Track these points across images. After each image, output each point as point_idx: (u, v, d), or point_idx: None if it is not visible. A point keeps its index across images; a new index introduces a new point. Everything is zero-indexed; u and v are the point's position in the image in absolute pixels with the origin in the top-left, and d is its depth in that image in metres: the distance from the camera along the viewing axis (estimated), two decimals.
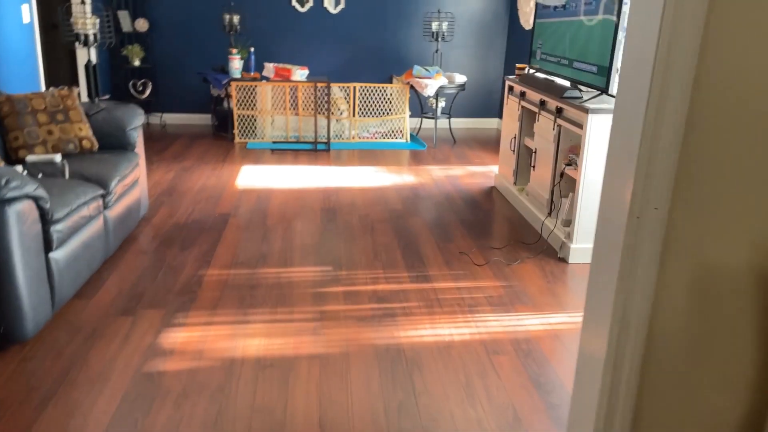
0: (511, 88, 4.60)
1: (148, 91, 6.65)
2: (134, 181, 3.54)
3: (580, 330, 1.69)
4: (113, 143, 3.58)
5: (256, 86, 6.04)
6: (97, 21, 4.37)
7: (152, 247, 3.52)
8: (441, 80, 6.07)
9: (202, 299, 2.93)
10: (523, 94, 4.32)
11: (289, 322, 2.75)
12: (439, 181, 5.07)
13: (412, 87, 6.15)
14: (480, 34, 6.98)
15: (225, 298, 2.94)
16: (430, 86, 5.96)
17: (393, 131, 6.48)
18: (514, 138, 4.48)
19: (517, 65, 4.62)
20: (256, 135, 6.23)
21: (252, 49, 6.10)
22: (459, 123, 7.23)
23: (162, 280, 3.11)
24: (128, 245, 3.51)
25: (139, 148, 3.72)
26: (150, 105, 6.78)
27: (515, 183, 4.53)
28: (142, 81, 6.59)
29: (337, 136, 6.41)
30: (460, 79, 6.24)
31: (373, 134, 6.47)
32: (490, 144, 6.48)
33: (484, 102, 7.26)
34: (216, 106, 6.50)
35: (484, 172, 5.37)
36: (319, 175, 5.10)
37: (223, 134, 6.35)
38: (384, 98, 6.44)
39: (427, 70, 6.06)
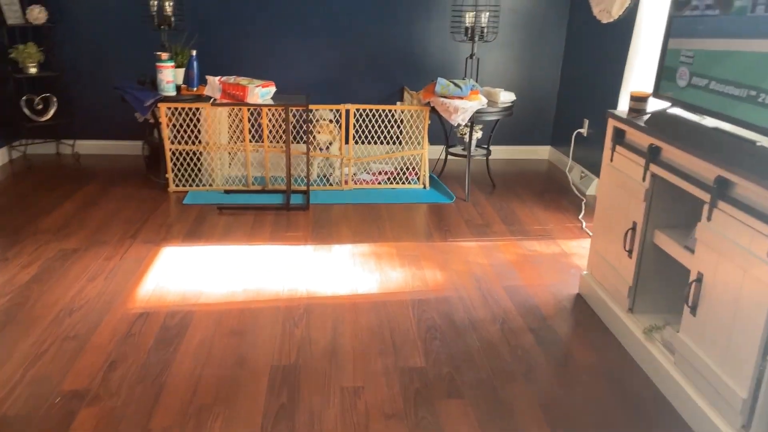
0: (620, 135, 2.55)
1: (51, 111, 4.61)
2: None
3: None
4: None
5: (199, 109, 4.00)
6: None
7: None
8: (479, 101, 4.01)
9: None
10: (655, 153, 2.27)
11: None
12: (483, 279, 3.03)
13: (433, 109, 4.10)
14: (529, 30, 4.90)
15: None
16: (461, 111, 3.91)
17: (405, 170, 4.43)
18: (633, 230, 2.43)
19: (634, 93, 2.56)
20: (201, 180, 4.19)
21: (194, 53, 4.05)
22: (496, 152, 5.18)
23: None
24: None
25: None
26: (57, 130, 4.74)
27: (631, 309, 2.48)
28: (42, 96, 4.56)
29: (322, 179, 4.37)
30: (507, 97, 4.18)
31: (376, 176, 4.43)
32: (544, 189, 4.42)
33: (532, 124, 5.20)
34: (149, 133, 4.46)
35: (553, 256, 3.33)
36: (284, 267, 3.07)
37: (155, 177, 4.31)
38: (392, 124, 4.40)
39: (457, 85, 4.00)
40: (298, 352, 2.37)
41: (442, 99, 4.00)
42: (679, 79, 2.35)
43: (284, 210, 3.87)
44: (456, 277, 3.04)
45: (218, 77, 3.68)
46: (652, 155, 2.29)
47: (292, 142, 4.61)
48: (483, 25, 4.09)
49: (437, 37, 4.82)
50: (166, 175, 4.08)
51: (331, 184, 4.31)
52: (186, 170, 4.16)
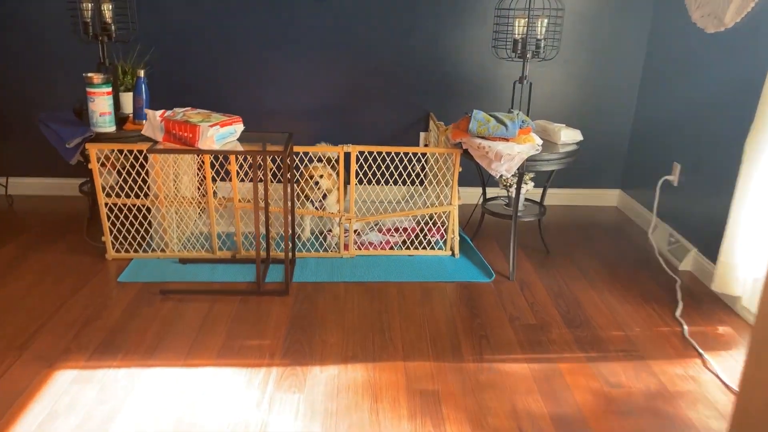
0: None
1: None
2: None
3: None
4: None
5: (144, 151, 2.93)
6: None
7: None
8: (531, 144, 2.84)
9: None
10: None
11: None
12: None
13: (466, 152, 2.94)
14: (595, 42, 3.71)
15: None
16: (506, 158, 2.74)
17: (427, 228, 3.29)
18: None
19: None
20: (151, 243, 3.12)
21: (142, 74, 2.99)
22: (550, 198, 4.00)
23: None
24: None
25: None
26: None
27: None
28: None
29: (315, 241, 3.26)
30: (569, 137, 3.00)
31: (388, 235, 3.30)
32: (617, 257, 3.22)
33: (598, 162, 4.00)
34: (87, 179, 3.42)
35: (649, 396, 2.14)
36: (224, 418, 1.96)
37: (91, 239, 3.26)
38: (410, 170, 3.27)
39: (500, 121, 2.83)
40: None
41: (479, 140, 2.84)
42: None
43: (255, 294, 2.77)
44: None
45: (160, 111, 2.60)
46: None
47: (274, 184, 3.52)
48: (539, 36, 2.91)
49: (474, 51, 3.66)
50: (103, 238, 3.02)
51: (326, 251, 3.20)
52: (130, 231, 3.10)
